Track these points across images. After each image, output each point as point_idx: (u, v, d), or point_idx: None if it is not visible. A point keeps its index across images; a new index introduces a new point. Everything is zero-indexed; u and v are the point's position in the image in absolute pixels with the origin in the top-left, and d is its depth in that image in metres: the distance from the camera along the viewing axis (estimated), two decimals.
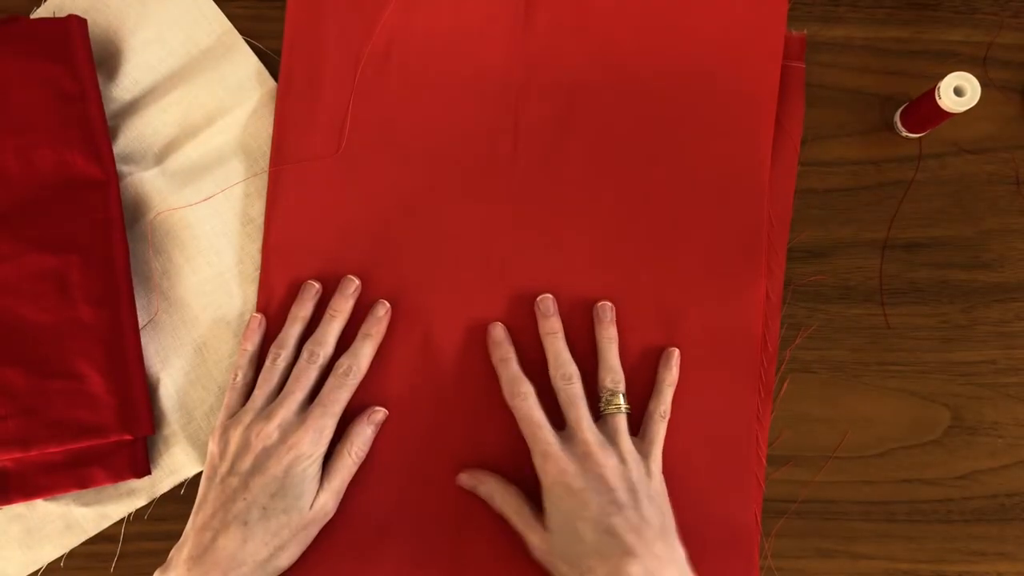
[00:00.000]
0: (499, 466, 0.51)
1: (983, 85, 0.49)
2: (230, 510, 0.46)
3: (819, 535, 0.52)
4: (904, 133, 0.56)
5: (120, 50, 0.55)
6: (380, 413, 0.51)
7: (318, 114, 0.53)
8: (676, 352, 0.51)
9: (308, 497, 0.47)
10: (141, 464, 0.51)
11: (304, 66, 0.54)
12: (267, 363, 0.50)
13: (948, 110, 0.50)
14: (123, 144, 0.55)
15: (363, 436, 0.50)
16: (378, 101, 0.54)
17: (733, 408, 0.52)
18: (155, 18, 0.55)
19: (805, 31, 0.56)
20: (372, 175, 0.53)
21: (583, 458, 0.47)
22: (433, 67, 0.54)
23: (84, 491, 0.51)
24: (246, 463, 0.47)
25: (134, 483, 0.52)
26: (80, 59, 0.52)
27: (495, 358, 0.51)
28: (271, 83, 0.55)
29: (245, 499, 0.46)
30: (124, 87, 0.55)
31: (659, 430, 0.49)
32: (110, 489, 0.52)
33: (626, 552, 0.44)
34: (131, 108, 0.55)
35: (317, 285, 0.52)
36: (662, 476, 0.48)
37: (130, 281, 0.52)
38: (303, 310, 0.51)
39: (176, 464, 0.52)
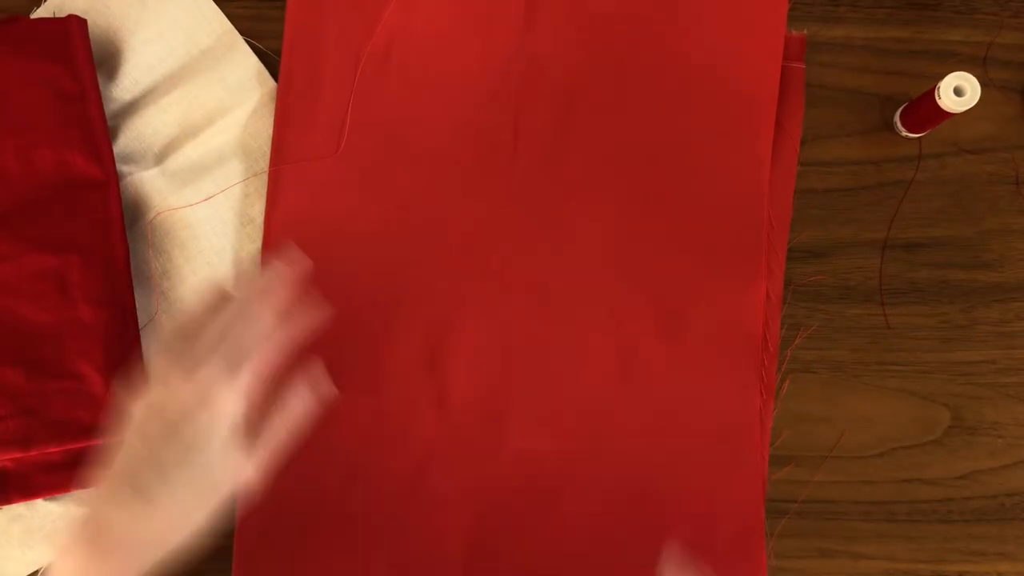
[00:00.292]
0: (501, 467, 0.51)
1: (983, 85, 0.49)
2: (122, 482, 0.39)
3: (819, 535, 0.52)
4: (904, 133, 0.56)
5: (120, 50, 0.55)
6: (317, 367, 0.44)
7: (318, 114, 0.53)
8: None
9: (216, 450, 0.39)
10: None
11: (304, 66, 0.54)
12: None
13: (948, 110, 0.50)
14: (123, 144, 0.55)
15: (298, 399, 0.43)
16: (378, 101, 0.54)
17: (736, 408, 0.52)
18: (155, 18, 0.55)
19: (805, 31, 0.56)
20: (372, 175, 0.53)
21: None
22: (433, 67, 0.54)
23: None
24: (153, 424, 0.40)
25: None
26: (80, 59, 0.52)
27: None
28: (271, 83, 0.55)
29: (139, 464, 0.39)
30: (124, 87, 0.55)
31: None
32: None
33: None
34: (131, 108, 0.55)
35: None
36: None
37: (130, 281, 0.52)
38: None
39: None
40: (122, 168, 0.54)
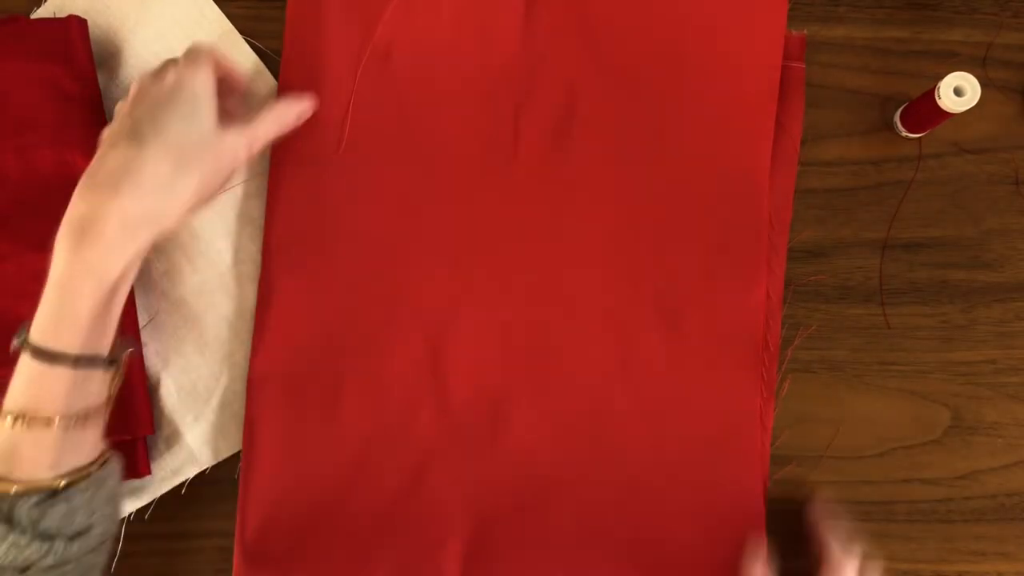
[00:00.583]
0: (501, 466, 0.51)
1: (983, 85, 0.49)
2: (118, 133, 0.43)
3: None
4: (904, 133, 0.56)
5: (120, 50, 0.55)
6: (306, 103, 0.50)
7: (318, 114, 0.53)
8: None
9: (205, 114, 0.44)
10: (141, 464, 0.51)
11: (304, 66, 0.54)
12: None
13: (948, 110, 0.50)
14: None
15: (285, 106, 0.49)
16: (378, 101, 0.54)
17: (736, 408, 0.52)
18: (155, 18, 0.55)
19: (805, 31, 0.56)
20: (372, 175, 0.53)
21: None
22: (433, 67, 0.54)
23: None
24: (149, 91, 0.45)
25: (134, 483, 0.52)
26: (80, 59, 0.52)
27: None
28: (271, 83, 0.55)
29: (133, 116, 0.44)
30: (124, 87, 0.55)
31: None
32: None
33: None
34: None
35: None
36: None
37: None
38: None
39: (177, 464, 0.52)
40: None
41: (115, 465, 0.45)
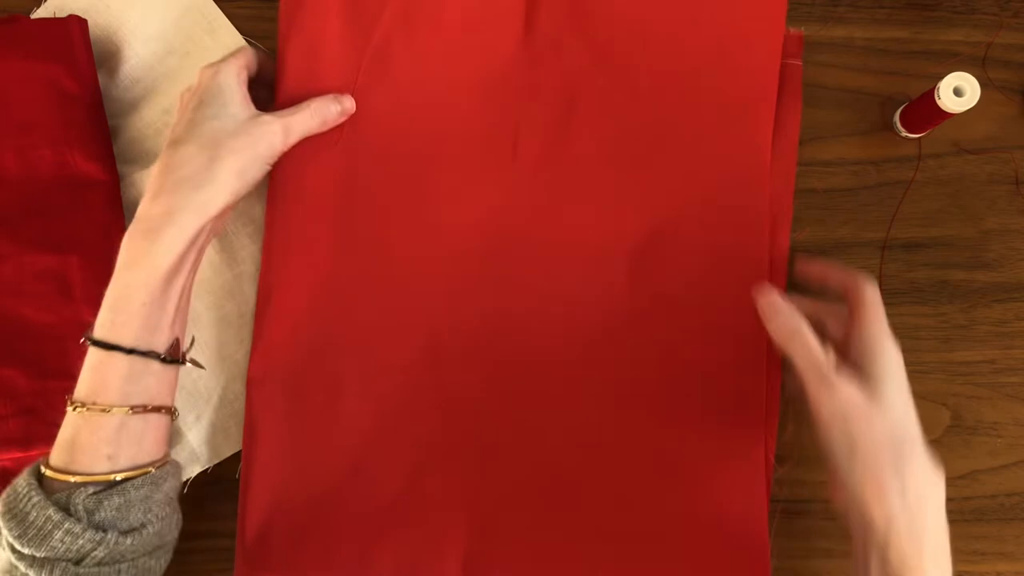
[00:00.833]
0: (500, 466, 0.51)
1: (983, 85, 0.50)
2: (164, 147, 0.47)
3: (820, 535, 0.53)
4: (904, 133, 0.56)
5: (120, 50, 0.55)
6: (349, 101, 0.52)
7: None
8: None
9: (235, 105, 0.47)
10: None
11: (303, 66, 0.54)
12: None
13: (948, 110, 0.50)
14: (123, 144, 0.55)
15: (327, 101, 0.51)
16: (378, 101, 0.54)
17: (740, 408, 0.52)
18: (155, 18, 0.55)
19: (803, 29, 0.56)
20: (372, 174, 0.53)
21: None
22: (433, 67, 0.54)
23: None
24: (179, 117, 0.48)
25: None
26: (80, 59, 0.52)
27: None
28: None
29: (175, 130, 0.47)
30: (124, 87, 0.55)
31: None
32: None
33: None
34: (131, 108, 0.55)
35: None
36: None
37: None
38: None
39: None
40: (122, 168, 0.54)
41: (175, 469, 0.46)
